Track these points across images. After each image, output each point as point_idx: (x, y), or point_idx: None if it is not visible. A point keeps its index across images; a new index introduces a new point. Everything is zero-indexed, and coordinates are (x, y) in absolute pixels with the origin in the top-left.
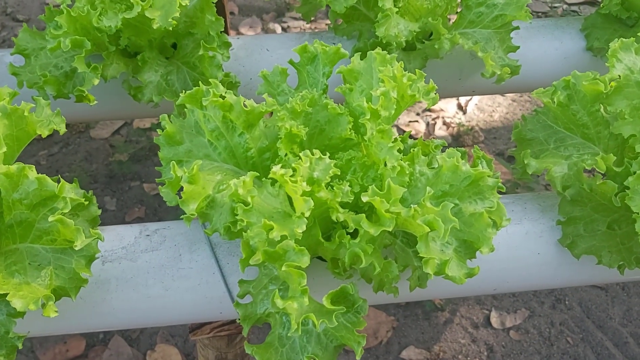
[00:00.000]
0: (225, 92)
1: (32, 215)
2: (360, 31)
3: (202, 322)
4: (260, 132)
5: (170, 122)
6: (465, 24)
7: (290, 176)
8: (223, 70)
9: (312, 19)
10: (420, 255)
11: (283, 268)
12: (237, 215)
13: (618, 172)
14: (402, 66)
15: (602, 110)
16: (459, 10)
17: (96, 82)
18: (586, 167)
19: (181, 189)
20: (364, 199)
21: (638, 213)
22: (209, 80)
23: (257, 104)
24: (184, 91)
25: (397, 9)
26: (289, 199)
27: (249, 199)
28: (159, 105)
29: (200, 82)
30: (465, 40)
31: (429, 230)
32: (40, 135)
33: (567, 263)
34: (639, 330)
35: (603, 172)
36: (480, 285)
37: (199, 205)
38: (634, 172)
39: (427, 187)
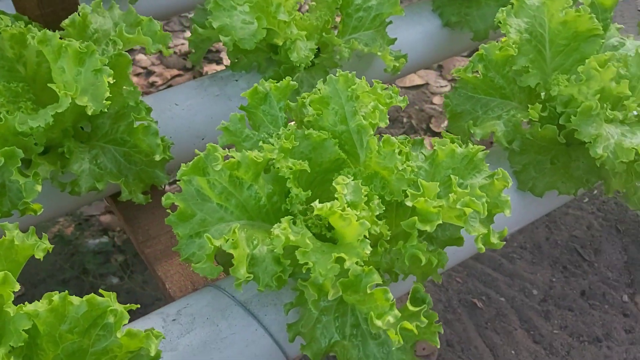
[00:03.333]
0: (228, 152)
1: (85, 342)
2: (259, 62)
3: None
4: (263, 180)
5: (175, 197)
6: (349, 30)
7: (336, 207)
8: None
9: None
10: (473, 234)
11: (367, 290)
12: (283, 262)
13: (544, 116)
14: (295, 88)
15: (510, 70)
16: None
17: (39, 188)
18: (523, 120)
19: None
20: (409, 204)
21: (590, 142)
22: (210, 147)
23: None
24: (118, 170)
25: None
26: (328, 231)
27: (306, 240)
28: (102, 191)
29: (134, 155)
30: (358, 44)
31: (472, 211)
32: None
33: (529, 203)
34: (505, 250)
35: (536, 120)
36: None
37: (247, 267)
38: (570, 114)
39: (432, 176)
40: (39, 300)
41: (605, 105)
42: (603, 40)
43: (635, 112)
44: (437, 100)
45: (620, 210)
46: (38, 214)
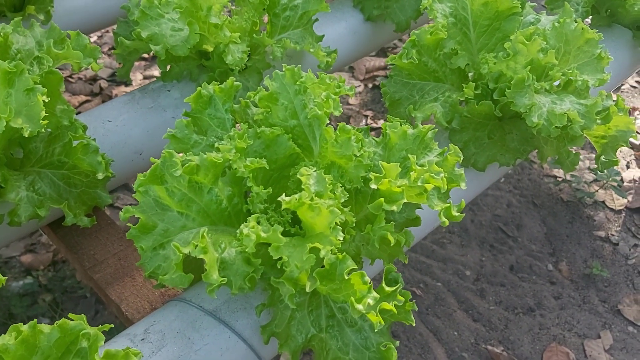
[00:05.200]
0: (187, 155)
1: None
2: (190, 70)
3: None
4: (222, 182)
5: (134, 210)
6: (278, 30)
7: (305, 198)
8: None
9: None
10: (436, 208)
11: (345, 277)
12: (254, 262)
13: (477, 94)
14: (239, 87)
15: (441, 53)
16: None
17: None
18: (460, 99)
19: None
20: (373, 186)
21: (526, 112)
22: (166, 153)
23: (206, 155)
24: (58, 195)
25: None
26: (292, 227)
27: (278, 235)
28: (43, 219)
29: (73, 177)
30: (290, 43)
31: (432, 187)
32: None
33: (473, 178)
34: (435, 237)
35: (471, 98)
36: (433, 219)
37: (218, 272)
38: (502, 88)
39: (387, 160)
40: None
41: (532, 77)
42: (521, 18)
43: (557, 82)
44: (352, 100)
45: (534, 186)
46: None
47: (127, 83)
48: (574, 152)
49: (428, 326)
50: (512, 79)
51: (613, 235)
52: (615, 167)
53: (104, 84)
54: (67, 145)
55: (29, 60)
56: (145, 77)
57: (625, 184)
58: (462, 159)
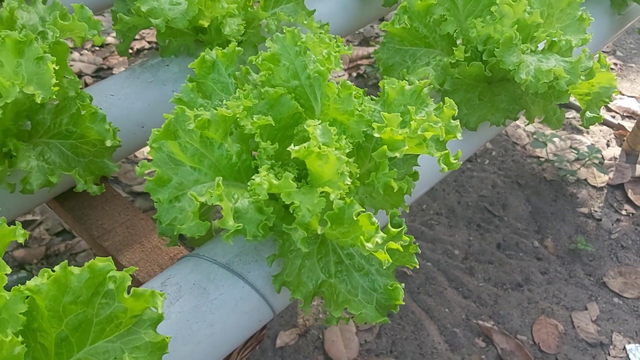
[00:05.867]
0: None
1: (89, 311)
2: (188, 45)
3: (246, 340)
4: (231, 138)
5: (150, 164)
6: (272, 5)
7: (313, 147)
8: None
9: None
10: (436, 155)
11: (354, 218)
12: (266, 210)
13: (467, 57)
14: (241, 53)
15: (431, 19)
16: None
17: None
18: (451, 62)
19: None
20: (376, 135)
21: (514, 69)
22: (178, 109)
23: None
24: (67, 164)
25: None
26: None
27: (289, 182)
28: (54, 187)
29: (81, 147)
30: (285, 16)
31: (431, 135)
32: None
33: (467, 137)
34: (423, 219)
35: (462, 60)
36: (435, 173)
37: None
38: (491, 49)
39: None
40: None
41: (519, 36)
42: None
43: (542, 44)
44: None
45: (518, 166)
46: None
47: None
48: (560, 109)
49: (420, 305)
50: (499, 41)
51: (596, 211)
52: (596, 146)
53: (89, 79)
54: (75, 115)
55: (33, 35)
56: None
57: (606, 161)
58: (456, 111)
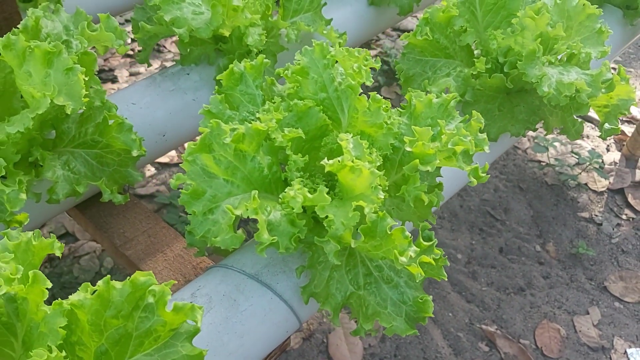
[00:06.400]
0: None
1: (129, 325)
2: (208, 54)
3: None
4: (262, 151)
5: (185, 177)
6: (291, 14)
7: (346, 161)
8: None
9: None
10: (466, 169)
11: (387, 231)
12: (298, 223)
13: (488, 68)
14: (268, 64)
15: (451, 31)
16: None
17: (24, 197)
18: (472, 73)
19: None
20: (408, 148)
21: (537, 82)
22: (214, 123)
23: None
24: (92, 174)
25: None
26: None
27: (324, 195)
28: (79, 196)
29: (106, 156)
30: (304, 26)
31: (461, 149)
32: None
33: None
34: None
35: (483, 72)
36: (461, 178)
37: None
38: (513, 62)
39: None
40: None
41: (542, 49)
42: None
43: (560, 56)
44: None
45: (519, 170)
46: (24, 224)
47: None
48: (579, 120)
49: None
50: (520, 53)
51: (597, 215)
52: (596, 150)
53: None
54: (100, 124)
55: (62, 45)
56: (131, 74)
57: (606, 166)
58: (483, 124)
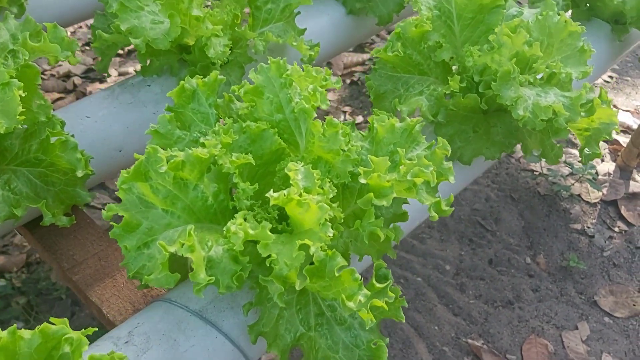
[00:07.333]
0: (172, 151)
1: None
2: (171, 64)
3: None
4: (207, 179)
5: (117, 208)
6: (260, 24)
7: (293, 194)
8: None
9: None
10: (426, 203)
11: (335, 274)
12: (241, 260)
13: (462, 87)
14: (223, 81)
15: (425, 46)
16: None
17: None
18: (446, 92)
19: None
20: (362, 181)
21: (512, 104)
22: (150, 149)
23: (192, 151)
24: (35, 194)
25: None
26: (279, 224)
27: (267, 232)
28: (19, 219)
29: (51, 175)
30: (273, 36)
31: (422, 180)
32: None
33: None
34: (415, 232)
35: (457, 91)
36: (421, 212)
37: (206, 271)
38: (488, 81)
39: (374, 154)
40: None
41: (518, 69)
42: (504, 11)
43: (540, 75)
44: (330, 96)
45: (511, 180)
46: None
47: (102, 80)
48: (557, 144)
49: (409, 321)
50: (497, 72)
51: (589, 227)
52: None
53: (77, 80)
54: (44, 142)
55: (3, 53)
56: (120, 74)
57: (600, 177)
58: (449, 152)
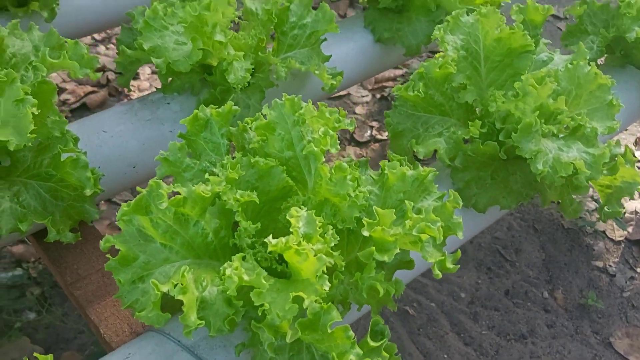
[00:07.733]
0: (174, 187)
1: None
2: (192, 84)
3: None
4: (209, 214)
5: (115, 240)
6: (285, 49)
7: (292, 242)
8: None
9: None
10: (430, 260)
11: (328, 330)
12: (235, 304)
13: (483, 133)
14: (238, 112)
15: (449, 87)
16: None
17: None
18: (465, 137)
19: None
20: (365, 233)
21: (531, 158)
22: (153, 183)
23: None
24: (43, 208)
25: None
26: (279, 264)
27: (262, 280)
28: (26, 233)
29: (61, 190)
30: (295, 63)
31: (427, 236)
32: None
33: (472, 218)
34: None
35: (477, 137)
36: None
37: (197, 312)
38: (509, 130)
39: (383, 201)
40: None
41: (540, 122)
42: (534, 55)
43: (565, 125)
44: (359, 109)
45: (536, 210)
46: None
47: (135, 77)
48: (577, 200)
49: (418, 347)
50: (519, 121)
51: (611, 266)
52: None
53: (111, 75)
54: (55, 157)
55: (24, 65)
56: (153, 72)
57: (626, 214)
58: (461, 205)
